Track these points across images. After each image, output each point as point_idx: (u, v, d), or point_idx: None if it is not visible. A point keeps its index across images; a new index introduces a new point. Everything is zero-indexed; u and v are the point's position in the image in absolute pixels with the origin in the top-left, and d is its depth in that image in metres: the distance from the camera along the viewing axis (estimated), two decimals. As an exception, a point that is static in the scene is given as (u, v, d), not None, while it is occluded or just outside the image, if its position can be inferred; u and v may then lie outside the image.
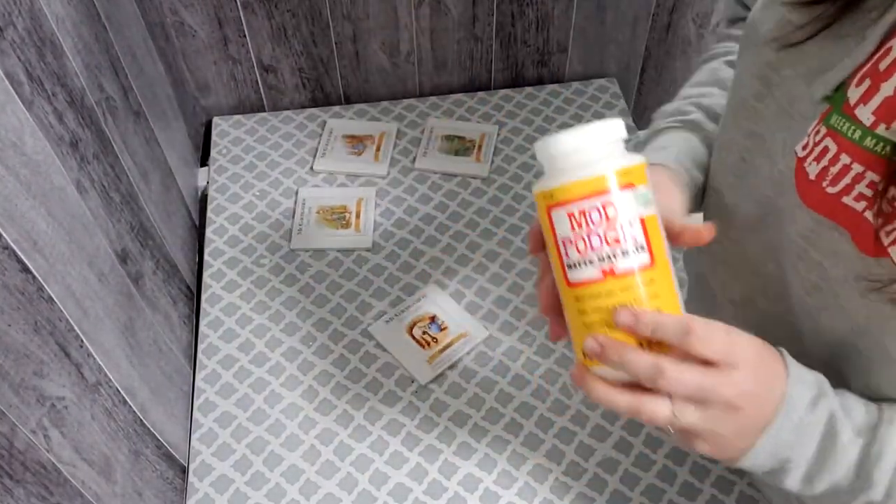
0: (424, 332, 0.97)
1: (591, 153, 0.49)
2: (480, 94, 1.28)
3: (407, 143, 1.21)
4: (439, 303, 1.00)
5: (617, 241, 0.47)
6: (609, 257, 0.48)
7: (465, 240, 1.08)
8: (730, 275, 0.66)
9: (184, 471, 0.89)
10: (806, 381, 0.52)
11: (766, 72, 0.57)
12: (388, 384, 0.94)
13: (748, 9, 0.72)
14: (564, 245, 0.49)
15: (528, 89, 1.29)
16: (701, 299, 0.73)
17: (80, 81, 0.75)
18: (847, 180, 0.50)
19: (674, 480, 0.85)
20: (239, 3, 1.14)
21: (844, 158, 0.50)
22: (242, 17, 1.16)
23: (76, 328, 0.65)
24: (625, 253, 0.47)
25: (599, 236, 0.48)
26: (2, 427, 0.53)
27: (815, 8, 0.53)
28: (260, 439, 0.90)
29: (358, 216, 1.10)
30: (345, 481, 0.86)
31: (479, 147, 1.19)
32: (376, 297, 1.02)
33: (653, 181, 0.50)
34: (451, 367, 0.95)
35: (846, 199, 0.50)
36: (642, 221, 0.48)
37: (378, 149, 1.19)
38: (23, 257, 0.57)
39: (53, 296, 0.62)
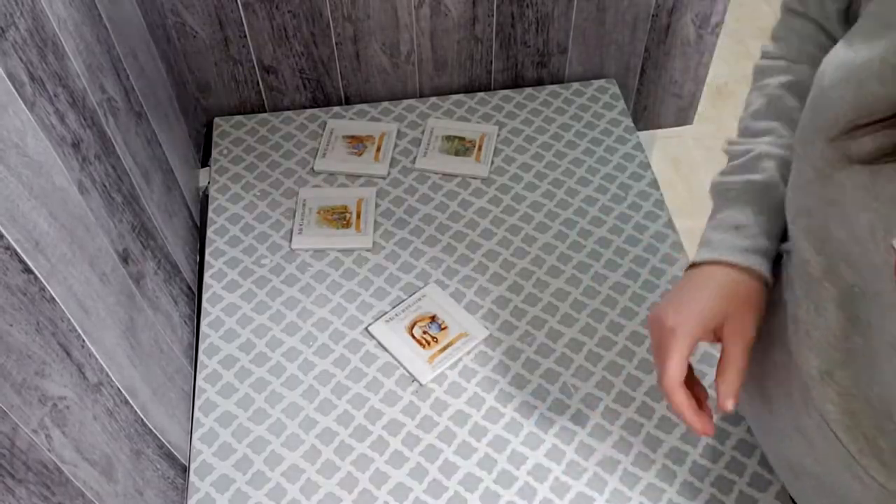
0: (425, 332, 0.98)
1: None
2: (480, 94, 1.28)
3: (407, 143, 1.21)
4: (439, 302, 1.00)
5: None
6: None
7: (465, 240, 1.08)
8: (809, 347, 0.61)
9: (185, 470, 0.89)
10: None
11: (840, 139, 0.51)
12: (389, 384, 0.94)
13: (812, 21, 0.69)
14: None
15: (528, 90, 1.29)
16: (782, 366, 0.68)
17: (81, 82, 0.75)
18: None
19: (673, 480, 0.85)
20: (240, 4, 1.14)
21: None
22: (243, 18, 1.16)
23: (78, 328, 0.66)
24: None
25: None
26: (4, 427, 0.53)
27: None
28: (261, 439, 0.90)
29: (358, 216, 1.10)
30: (345, 481, 0.86)
31: (479, 147, 1.19)
32: (376, 296, 1.02)
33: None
34: (452, 366, 0.95)
35: None
36: None
37: (378, 149, 1.19)
38: (25, 258, 0.58)
39: (55, 296, 0.62)
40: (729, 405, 0.63)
